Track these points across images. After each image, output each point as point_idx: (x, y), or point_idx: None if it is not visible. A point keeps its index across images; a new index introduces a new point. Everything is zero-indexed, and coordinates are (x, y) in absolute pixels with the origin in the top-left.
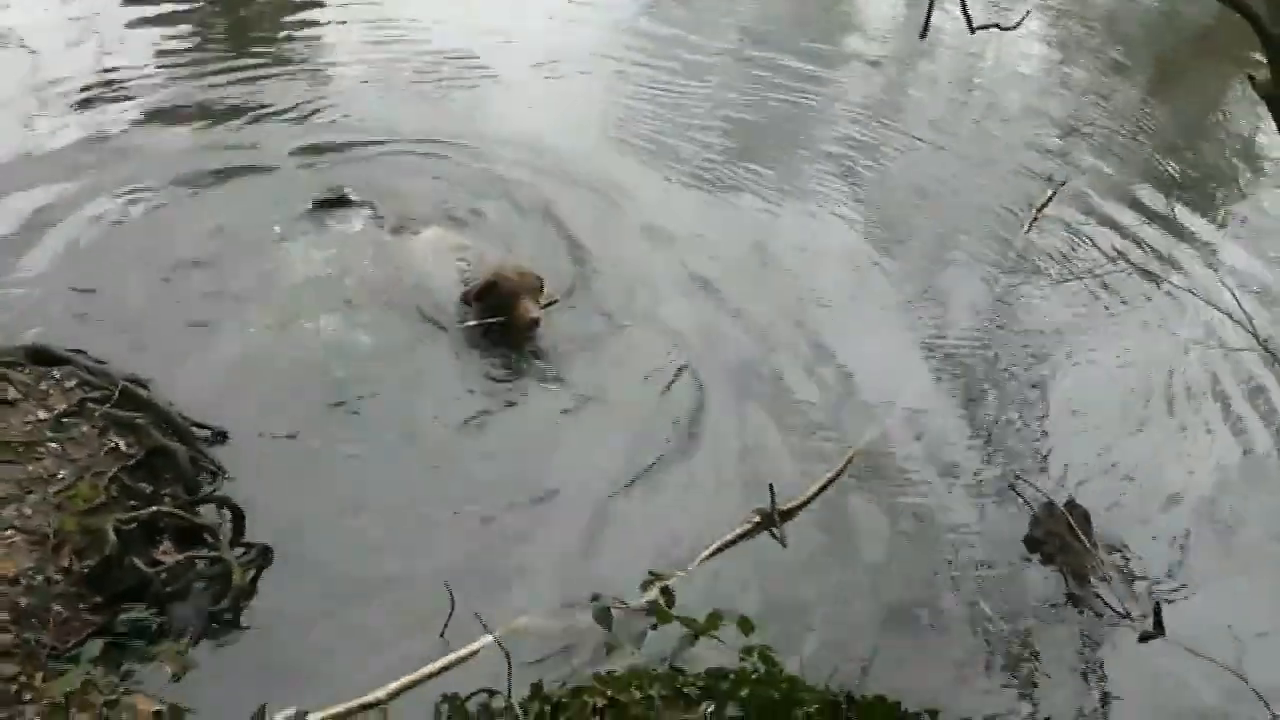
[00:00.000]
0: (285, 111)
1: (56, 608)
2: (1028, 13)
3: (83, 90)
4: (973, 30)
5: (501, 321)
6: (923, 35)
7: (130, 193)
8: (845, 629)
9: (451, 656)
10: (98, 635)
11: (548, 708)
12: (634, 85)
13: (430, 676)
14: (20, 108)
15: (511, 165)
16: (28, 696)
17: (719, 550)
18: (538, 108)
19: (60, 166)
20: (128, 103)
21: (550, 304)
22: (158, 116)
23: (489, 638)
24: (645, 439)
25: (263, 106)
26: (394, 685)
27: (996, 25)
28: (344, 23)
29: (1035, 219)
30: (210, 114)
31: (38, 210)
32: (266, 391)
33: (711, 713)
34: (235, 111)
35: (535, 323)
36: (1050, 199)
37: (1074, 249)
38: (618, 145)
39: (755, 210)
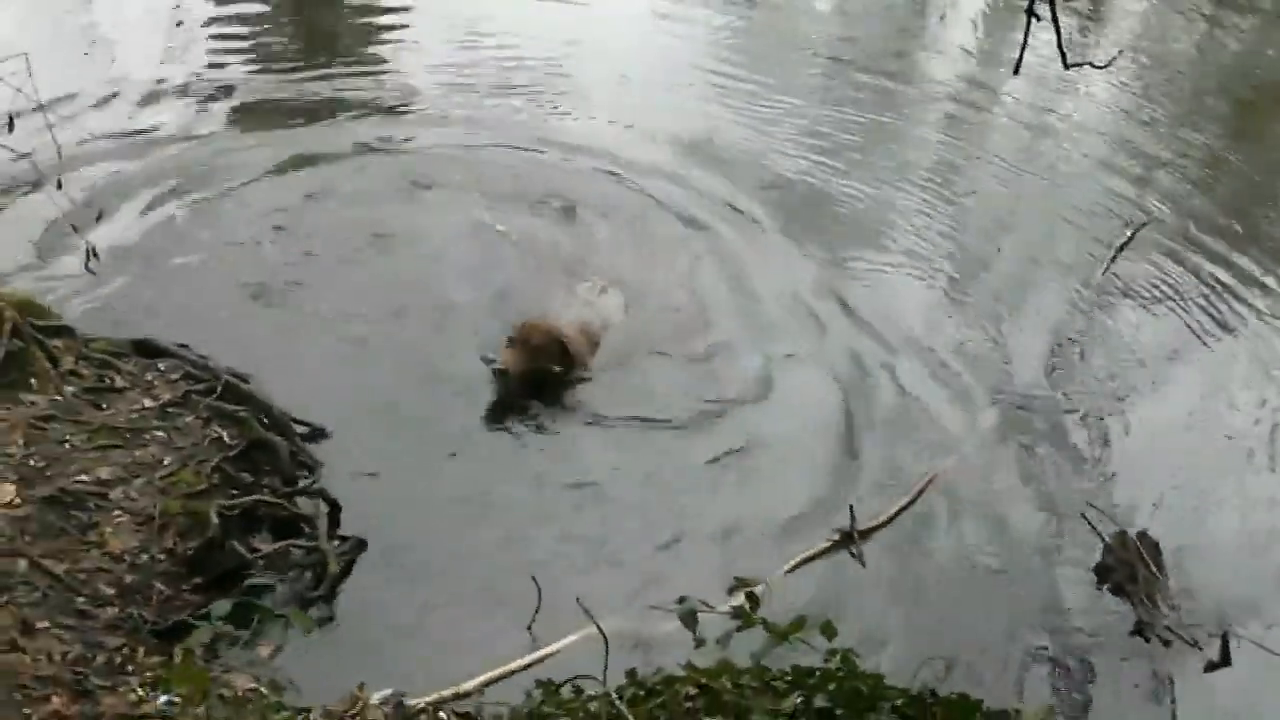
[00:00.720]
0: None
1: (159, 585)
2: (1119, 53)
3: (175, 85)
4: (1067, 67)
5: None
6: (1016, 71)
7: (238, 188)
8: (914, 646)
9: (552, 648)
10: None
11: (641, 693)
12: (725, 101)
13: (525, 667)
14: (109, 101)
15: (582, 177)
16: (130, 668)
17: (800, 565)
18: (628, 122)
19: (156, 167)
20: (220, 95)
21: (542, 370)
22: (251, 110)
23: (586, 630)
24: (715, 470)
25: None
26: (491, 674)
27: (1090, 64)
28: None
29: (1115, 257)
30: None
31: (139, 205)
32: (368, 388)
33: (801, 703)
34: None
35: (502, 373)
36: (1131, 238)
37: (1151, 287)
38: (712, 163)
39: (843, 230)
